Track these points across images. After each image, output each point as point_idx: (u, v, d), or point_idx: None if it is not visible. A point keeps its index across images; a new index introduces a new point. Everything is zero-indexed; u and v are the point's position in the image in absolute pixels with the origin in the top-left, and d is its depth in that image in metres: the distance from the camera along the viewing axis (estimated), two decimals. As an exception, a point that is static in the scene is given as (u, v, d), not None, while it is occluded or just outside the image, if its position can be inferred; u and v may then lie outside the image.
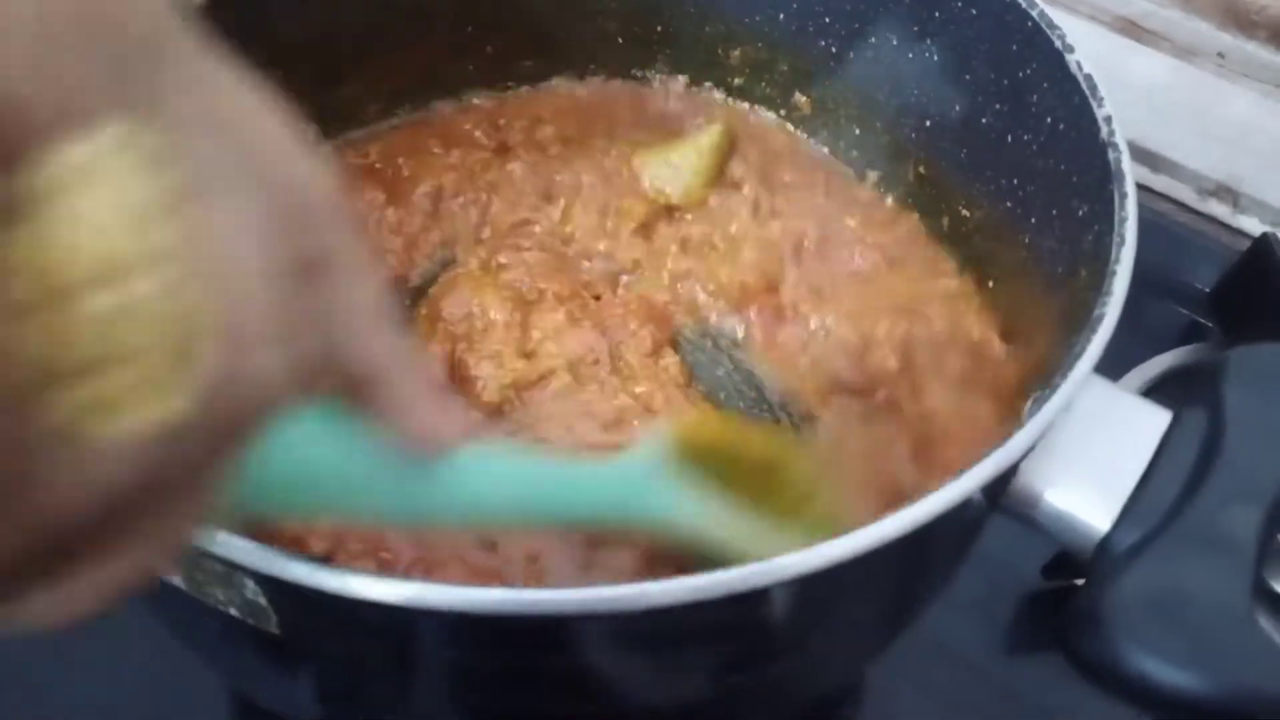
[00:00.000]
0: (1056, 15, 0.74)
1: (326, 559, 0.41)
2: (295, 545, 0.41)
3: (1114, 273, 0.36)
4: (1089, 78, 0.43)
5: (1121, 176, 0.40)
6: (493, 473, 0.30)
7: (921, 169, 0.55)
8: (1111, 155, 0.41)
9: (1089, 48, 0.74)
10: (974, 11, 0.49)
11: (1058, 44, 0.44)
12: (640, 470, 0.35)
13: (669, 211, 0.57)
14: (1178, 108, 0.75)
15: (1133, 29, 0.73)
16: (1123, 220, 0.38)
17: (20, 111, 0.16)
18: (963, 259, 0.53)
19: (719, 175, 0.57)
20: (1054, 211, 0.45)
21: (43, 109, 0.16)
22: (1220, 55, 0.71)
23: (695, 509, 0.35)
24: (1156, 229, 0.75)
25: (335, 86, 0.57)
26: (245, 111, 0.22)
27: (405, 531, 0.40)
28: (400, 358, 0.25)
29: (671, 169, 0.57)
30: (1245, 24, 0.69)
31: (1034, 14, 0.45)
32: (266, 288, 0.20)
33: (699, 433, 0.37)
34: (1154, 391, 0.60)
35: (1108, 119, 0.42)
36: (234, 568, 0.28)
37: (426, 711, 0.36)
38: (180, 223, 0.18)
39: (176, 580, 0.31)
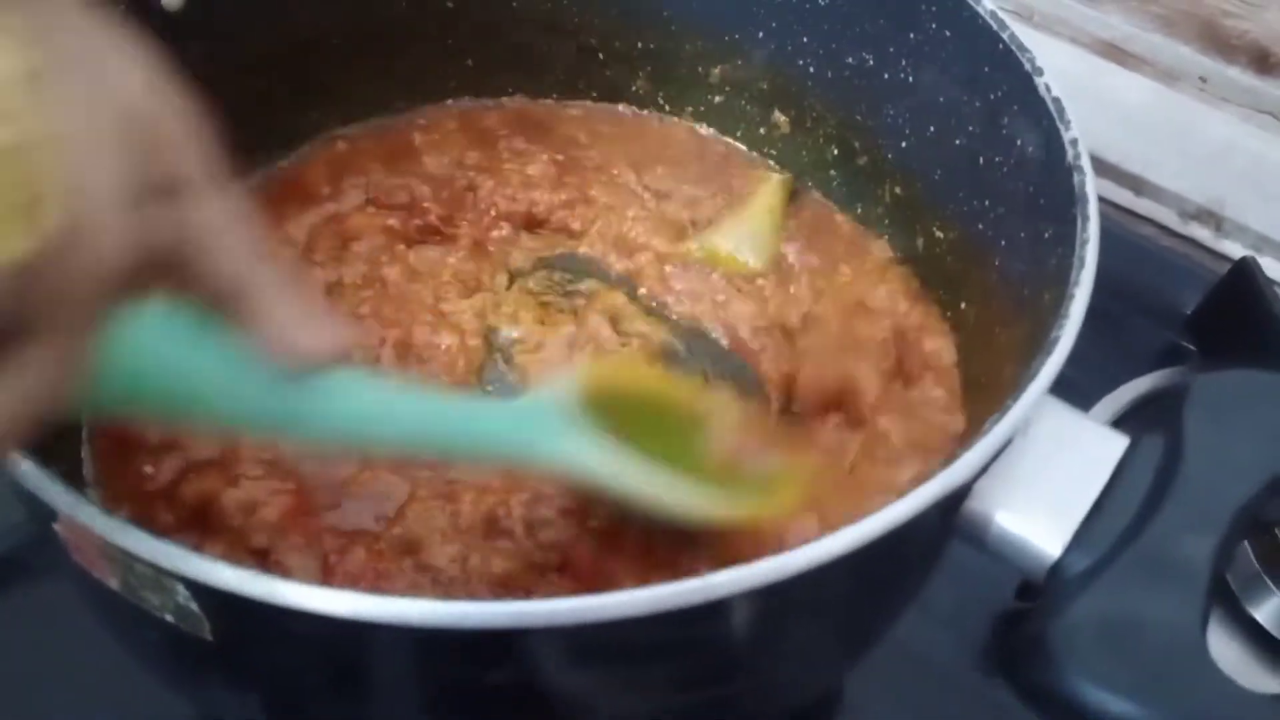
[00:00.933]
0: (1038, 37, 0.75)
1: (264, 553, 0.41)
2: (236, 537, 0.42)
3: (1072, 296, 0.36)
4: (1057, 100, 0.43)
5: (1085, 199, 0.39)
6: (372, 395, 0.31)
7: (897, 189, 0.55)
8: (1076, 178, 0.40)
9: (1071, 70, 0.75)
10: (947, 33, 0.49)
11: (1027, 66, 0.44)
12: (538, 409, 0.36)
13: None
14: (1160, 131, 0.75)
15: (1115, 52, 0.74)
16: (1084, 243, 0.38)
17: None
18: (936, 280, 0.53)
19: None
20: (1022, 234, 0.45)
21: None
22: (1202, 79, 0.71)
23: (588, 453, 0.35)
24: (1139, 251, 0.76)
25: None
26: (111, 45, 0.26)
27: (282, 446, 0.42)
28: (263, 272, 0.27)
29: (752, 238, 0.55)
30: (1225, 49, 0.69)
31: (1004, 36, 0.45)
32: (111, 170, 0.23)
33: (610, 377, 0.38)
34: (1132, 414, 0.59)
35: (1074, 141, 0.42)
36: (163, 572, 0.28)
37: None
38: (36, 96, 0.22)
39: (113, 584, 0.31)
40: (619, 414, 0.36)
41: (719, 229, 0.55)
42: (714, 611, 0.30)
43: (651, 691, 0.36)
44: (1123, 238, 0.77)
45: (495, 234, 0.55)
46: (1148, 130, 0.76)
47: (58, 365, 0.23)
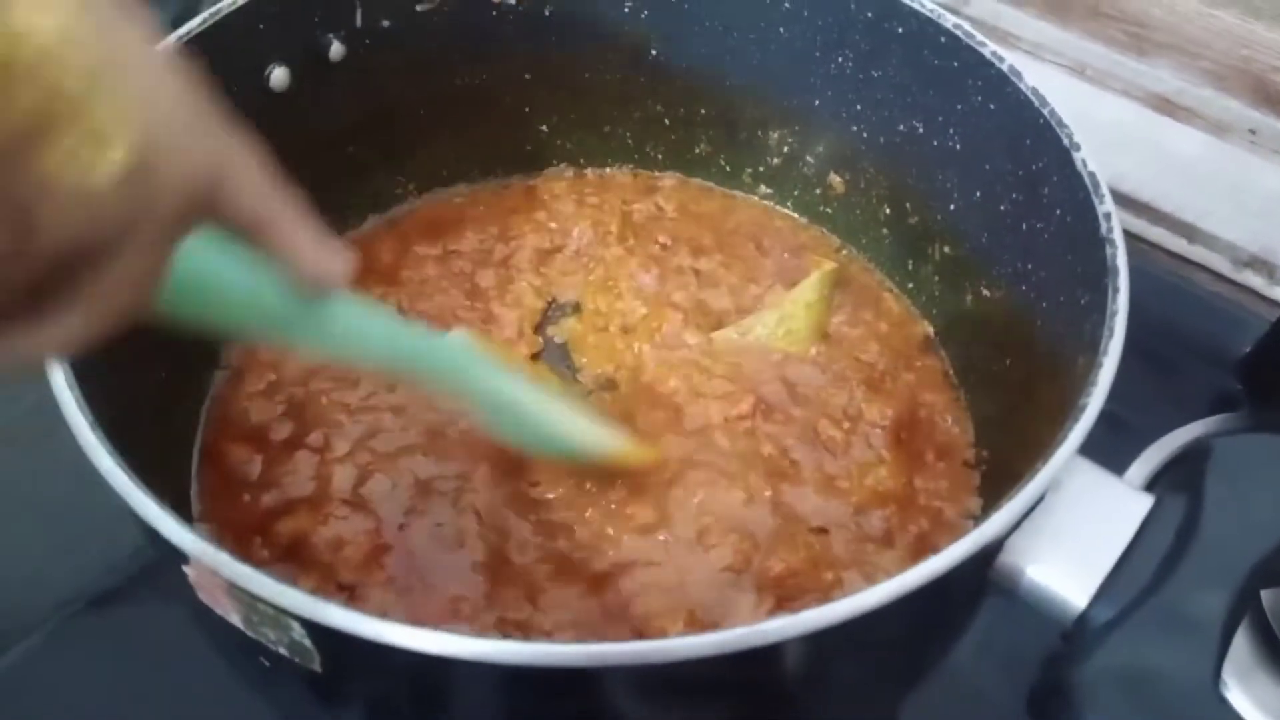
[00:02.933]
0: (1091, 91, 0.77)
1: (351, 588, 0.46)
2: (326, 572, 0.46)
3: (1100, 364, 0.39)
4: (1092, 175, 0.46)
5: (1116, 272, 0.42)
6: (359, 315, 0.39)
7: (947, 248, 0.58)
8: (1109, 250, 0.43)
9: (1124, 122, 0.77)
10: (992, 106, 0.51)
11: (1065, 141, 0.47)
12: (467, 346, 0.46)
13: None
14: (1212, 181, 0.77)
15: (1167, 105, 0.76)
16: (1113, 314, 0.41)
17: None
18: (985, 335, 0.56)
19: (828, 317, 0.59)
20: (1061, 299, 0.48)
21: None
22: (1252, 132, 0.73)
23: (514, 383, 0.46)
24: (1193, 297, 0.78)
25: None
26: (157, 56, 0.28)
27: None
28: (283, 207, 0.31)
29: (791, 326, 0.58)
30: (1275, 102, 0.71)
31: (1045, 112, 0.48)
32: (176, 95, 0.26)
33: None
34: (1181, 460, 0.62)
35: (1107, 215, 0.44)
36: (283, 612, 0.32)
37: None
38: (113, 38, 0.25)
39: (236, 620, 0.35)
40: None
41: (760, 318, 0.58)
42: (767, 655, 0.34)
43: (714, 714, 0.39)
44: (1177, 284, 0.79)
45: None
46: (1200, 180, 0.78)
47: (144, 274, 0.26)
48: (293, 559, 0.48)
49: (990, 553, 0.36)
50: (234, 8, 0.51)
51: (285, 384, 0.54)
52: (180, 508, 0.48)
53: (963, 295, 0.57)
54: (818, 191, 0.64)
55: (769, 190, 0.66)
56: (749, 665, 0.35)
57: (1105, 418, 0.71)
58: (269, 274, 0.33)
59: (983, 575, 0.37)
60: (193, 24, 0.49)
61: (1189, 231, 0.80)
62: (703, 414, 0.53)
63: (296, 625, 0.33)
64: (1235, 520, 0.36)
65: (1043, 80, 0.78)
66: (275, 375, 0.55)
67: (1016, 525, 0.37)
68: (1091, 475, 0.39)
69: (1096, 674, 0.34)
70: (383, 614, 0.45)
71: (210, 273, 0.33)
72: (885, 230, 0.62)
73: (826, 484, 0.52)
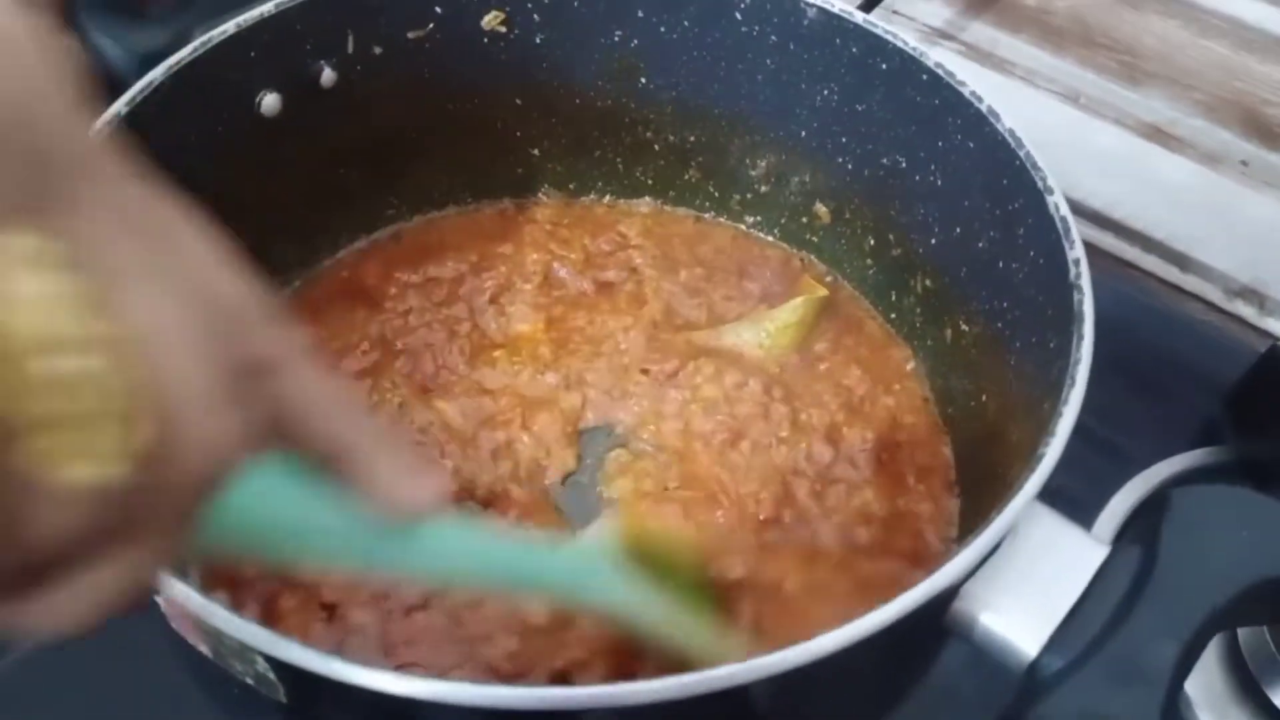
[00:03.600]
0: (1084, 119, 0.78)
1: (333, 607, 0.47)
2: (310, 592, 0.47)
3: (1060, 414, 0.40)
4: (1064, 220, 0.46)
5: (1081, 319, 0.43)
6: (455, 538, 0.34)
7: (928, 281, 0.59)
8: (1076, 297, 0.44)
9: (1117, 150, 0.77)
10: (971, 145, 0.52)
11: (1040, 184, 0.48)
12: (588, 555, 0.40)
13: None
14: (1204, 211, 0.77)
15: (1159, 135, 0.76)
16: (1076, 362, 0.41)
17: None
18: (961, 371, 0.56)
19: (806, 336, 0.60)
20: (1033, 339, 0.48)
21: None
22: (1243, 163, 0.73)
23: (636, 597, 0.39)
24: (1184, 326, 0.78)
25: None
26: (168, 226, 0.25)
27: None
28: (367, 434, 0.29)
29: (760, 332, 0.59)
30: (1266, 135, 0.71)
31: (1021, 154, 0.49)
32: (200, 373, 0.23)
33: (641, 534, 0.42)
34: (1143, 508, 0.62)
35: (1076, 261, 0.45)
36: (246, 647, 0.33)
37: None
38: (108, 314, 0.22)
39: (205, 650, 0.36)
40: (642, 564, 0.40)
41: (736, 327, 0.59)
42: (731, 696, 0.34)
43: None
44: (1168, 312, 0.80)
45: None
46: (1192, 210, 0.78)
47: (158, 553, 0.24)
48: (276, 578, 0.49)
49: (944, 600, 0.37)
50: (225, 37, 0.52)
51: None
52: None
53: (943, 329, 0.58)
54: (804, 220, 0.64)
55: (757, 218, 0.66)
56: (716, 705, 0.35)
57: (1096, 442, 0.72)
58: (342, 502, 0.30)
59: (938, 621, 0.38)
60: (183, 53, 0.50)
61: (1181, 260, 0.81)
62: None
63: (260, 659, 0.34)
64: (1189, 572, 0.37)
65: (1037, 107, 0.80)
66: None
67: (972, 573, 0.38)
68: (1049, 523, 0.40)
69: (1044, 723, 0.34)
70: (361, 634, 0.47)
71: (269, 503, 0.28)
72: (869, 261, 0.62)
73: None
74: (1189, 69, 0.72)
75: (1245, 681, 0.56)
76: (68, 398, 0.20)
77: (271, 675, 0.34)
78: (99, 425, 0.21)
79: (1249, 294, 0.78)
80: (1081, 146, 0.80)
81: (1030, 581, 0.38)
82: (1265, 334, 0.78)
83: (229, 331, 0.25)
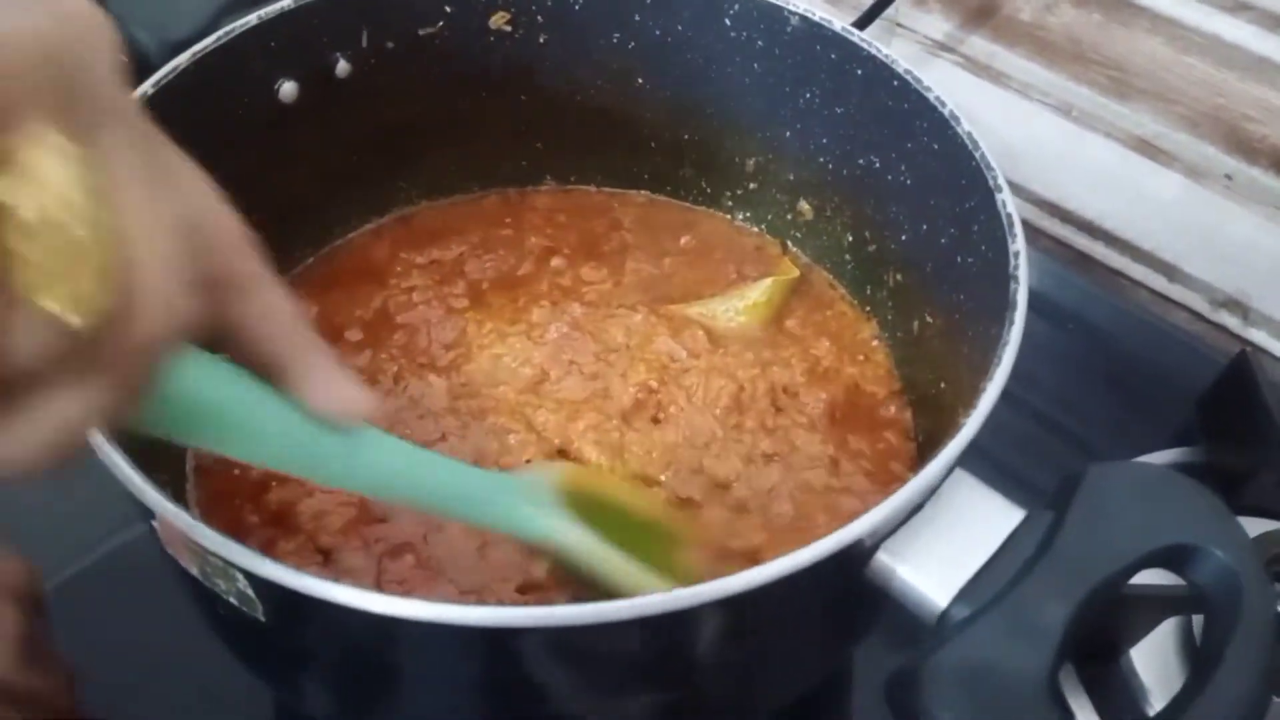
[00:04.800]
0: (1076, 130, 0.81)
1: (329, 552, 0.51)
2: (307, 538, 0.52)
3: (983, 390, 0.43)
4: (1009, 216, 0.49)
5: (1014, 306, 0.46)
6: (389, 452, 0.38)
7: (899, 276, 0.62)
8: (1013, 287, 0.47)
9: (1107, 161, 0.80)
10: (935, 147, 0.55)
11: (991, 183, 0.51)
12: (524, 487, 0.43)
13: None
14: (1189, 223, 0.79)
15: (1147, 148, 0.79)
16: (1004, 345, 0.44)
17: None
18: (925, 360, 0.60)
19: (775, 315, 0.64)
20: (981, 328, 0.51)
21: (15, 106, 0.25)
22: (1227, 177, 0.75)
23: (573, 533, 0.42)
24: (1169, 335, 0.81)
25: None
26: (170, 162, 0.31)
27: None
28: (311, 349, 0.34)
29: (729, 309, 0.63)
30: (1249, 150, 0.74)
31: (976, 155, 0.52)
32: (167, 261, 0.28)
33: (582, 481, 0.45)
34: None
35: (1016, 254, 0.48)
36: (228, 563, 0.37)
37: (391, 708, 0.45)
38: (104, 203, 0.26)
39: (194, 571, 0.40)
40: (587, 510, 0.44)
41: (713, 299, 0.64)
42: (658, 624, 0.38)
43: (623, 685, 0.44)
44: (1154, 322, 0.82)
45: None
46: (1178, 222, 0.80)
47: (109, 400, 0.28)
48: (278, 525, 0.53)
49: (861, 552, 0.40)
50: (247, 27, 0.56)
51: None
52: (178, 482, 0.54)
53: (911, 321, 0.61)
54: (788, 217, 0.68)
55: (746, 213, 0.70)
56: (635, 636, 0.39)
57: (1073, 439, 0.75)
58: (282, 404, 0.34)
59: (860, 573, 0.41)
60: (207, 41, 0.55)
61: (1168, 270, 0.83)
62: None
63: (240, 576, 0.38)
64: (1087, 540, 0.40)
65: (1032, 119, 0.83)
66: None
67: (892, 531, 0.41)
68: (971, 488, 0.43)
69: (940, 666, 0.38)
70: (353, 576, 0.51)
71: (212, 390, 0.32)
72: (848, 256, 0.66)
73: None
74: (1174, 85, 0.75)
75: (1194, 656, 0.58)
76: (57, 249, 0.25)
77: (250, 592, 0.38)
78: (77, 276, 0.26)
79: (1233, 305, 0.81)
80: (1074, 158, 0.83)
81: (948, 540, 0.41)
82: (1247, 344, 0.80)
83: (204, 244, 0.30)
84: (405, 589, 0.51)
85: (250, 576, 0.37)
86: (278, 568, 0.36)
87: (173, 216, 0.29)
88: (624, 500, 0.47)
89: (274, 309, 0.33)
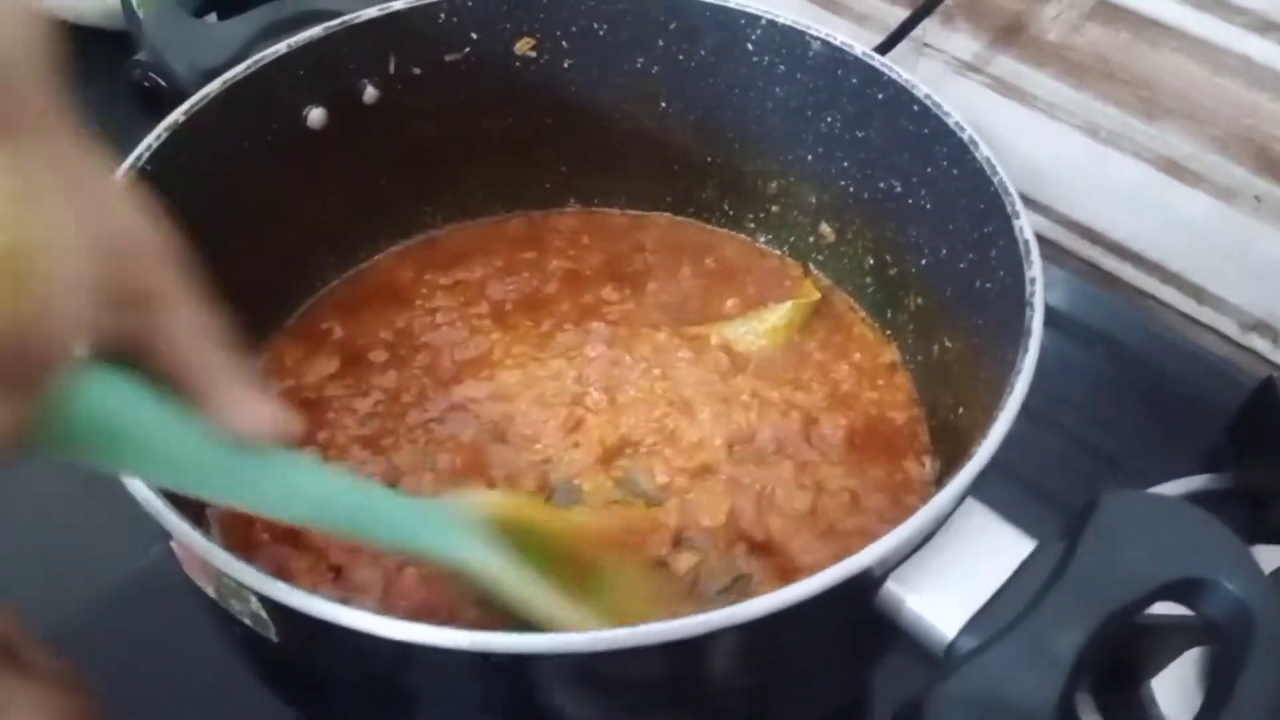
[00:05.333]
0: (1104, 151, 0.80)
1: (340, 569, 0.52)
2: (319, 554, 0.52)
3: (996, 418, 0.43)
4: (1027, 242, 0.49)
5: (1029, 333, 0.46)
6: (305, 476, 0.37)
7: (919, 300, 0.62)
8: (1028, 314, 0.47)
9: (1135, 181, 0.79)
10: (955, 171, 0.55)
11: (1009, 209, 0.51)
12: (448, 514, 0.41)
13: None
14: (1219, 245, 0.79)
15: (1176, 169, 0.78)
16: (1018, 373, 0.44)
17: None
18: (945, 385, 0.59)
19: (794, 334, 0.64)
20: (998, 354, 0.51)
21: None
22: (1257, 199, 0.75)
23: (492, 561, 0.41)
24: (1198, 358, 0.80)
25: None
26: (89, 170, 0.30)
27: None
28: (224, 366, 0.33)
29: (749, 331, 0.64)
30: (1278, 172, 0.73)
31: (995, 180, 0.52)
32: (77, 268, 0.28)
33: (511, 511, 0.44)
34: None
35: (1032, 280, 0.48)
36: (241, 585, 0.38)
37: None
38: (27, 209, 0.26)
39: (210, 592, 0.41)
40: (517, 538, 0.42)
41: (734, 321, 0.64)
42: (657, 654, 0.38)
43: (631, 710, 0.44)
44: (1183, 344, 0.81)
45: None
46: (1207, 243, 0.80)
47: (12, 413, 0.27)
48: (288, 542, 0.54)
49: (868, 581, 0.40)
50: (276, 56, 0.57)
51: (304, 388, 0.61)
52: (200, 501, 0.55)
53: (931, 345, 0.61)
54: (810, 240, 0.68)
55: (769, 236, 0.70)
56: (644, 663, 0.39)
57: (1103, 460, 0.75)
58: (190, 420, 0.32)
59: (869, 603, 0.41)
60: (236, 70, 0.56)
61: (1198, 293, 0.82)
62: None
63: (253, 598, 0.39)
64: (1099, 571, 0.40)
65: (1059, 139, 0.83)
66: (295, 380, 0.61)
67: (903, 559, 0.41)
68: (983, 518, 0.43)
69: (946, 698, 0.38)
70: (364, 591, 0.52)
71: (114, 418, 0.31)
72: (869, 279, 0.66)
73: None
74: (1203, 105, 0.74)
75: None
76: None
77: (264, 614, 0.39)
78: None
79: (1263, 328, 0.80)
80: (1102, 179, 0.83)
81: (958, 570, 0.41)
82: (1276, 367, 0.79)
83: (122, 256, 0.30)
84: (412, 602, 0.51)
85: (262, 598, 0.38)
86: (287, 590, 0.37)
87: (91, 226, 0.29)
88: (553, 530, 0.46)
89: (191, 326, 0.32)
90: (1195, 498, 0.70)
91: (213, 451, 0.33)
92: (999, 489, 0.43)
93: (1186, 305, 0.83)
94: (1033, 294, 0.47)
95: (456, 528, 0.41)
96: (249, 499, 0.37)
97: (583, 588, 0.43)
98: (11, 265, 0.26)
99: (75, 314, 0.28)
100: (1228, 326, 0.81)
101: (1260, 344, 0.80)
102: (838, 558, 0.38)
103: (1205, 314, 0.82)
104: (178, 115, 0.54)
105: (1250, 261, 0.78)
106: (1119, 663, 0.54)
